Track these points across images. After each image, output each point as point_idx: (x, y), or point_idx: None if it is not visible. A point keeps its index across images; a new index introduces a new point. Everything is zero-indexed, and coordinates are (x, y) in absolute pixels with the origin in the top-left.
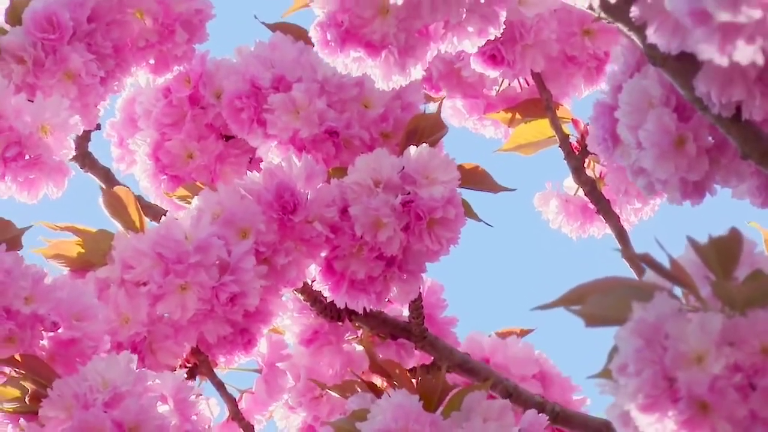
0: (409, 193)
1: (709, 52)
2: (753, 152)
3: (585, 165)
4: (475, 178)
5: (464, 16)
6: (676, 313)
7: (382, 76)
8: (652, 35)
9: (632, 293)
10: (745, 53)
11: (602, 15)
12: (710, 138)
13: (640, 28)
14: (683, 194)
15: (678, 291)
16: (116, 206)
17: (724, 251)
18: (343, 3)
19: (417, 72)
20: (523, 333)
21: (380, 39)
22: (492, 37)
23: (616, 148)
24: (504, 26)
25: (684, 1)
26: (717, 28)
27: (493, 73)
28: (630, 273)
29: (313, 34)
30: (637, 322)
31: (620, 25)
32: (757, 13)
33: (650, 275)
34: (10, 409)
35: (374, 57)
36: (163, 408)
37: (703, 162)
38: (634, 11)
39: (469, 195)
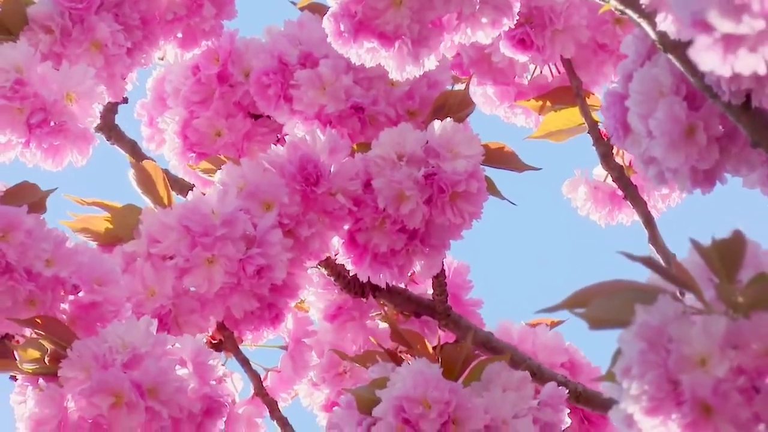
0: (432, 167)
1: (711, 61)
2: (763, 140)
3: (614, 151)
4: (500, 158)
5: (477, 6)
6: (679, 315)
7: (396, 66)
8: (662, 22)
9: (636, 296)
10: (748, 63)
11: (612, 2)
12: (720, 127)
13: (650, 15)
14: (693, 183)
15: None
16: (146, 182)
17: (726, 254)
18: None
19: (430, 62)
20: (554, 324)
21: (393, 30)
22: (513, 24)
23: (626, 137)
24: (534, 11)
25: (687, 12)
26: (719, 38)
27: (522, 57)
28: (656, 259)
29: (327, 25)
30: (641, 325)
31: (630, 12)
32: (759, 24)
33: (654, 277)
34: (30, 370)
35: (388, 48)
36: (182, 371)
37: (714, 151)
38: None
39: (501, 183)
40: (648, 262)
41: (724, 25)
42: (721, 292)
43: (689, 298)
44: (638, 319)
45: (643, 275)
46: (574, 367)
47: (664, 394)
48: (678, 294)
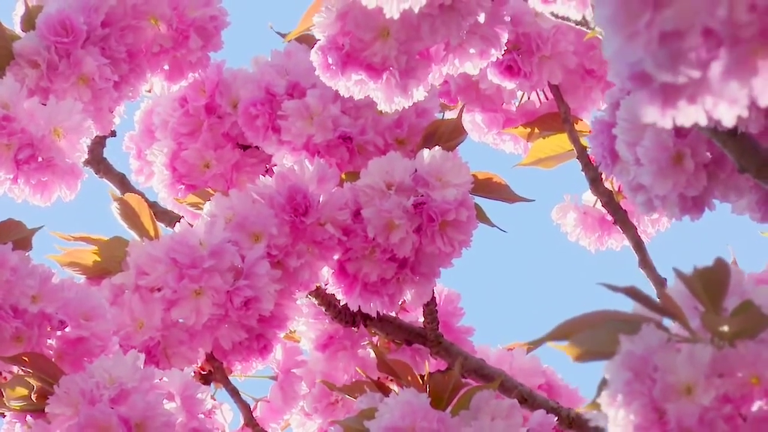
0: (421, 196)
1: (651, 114)
2: (750, 166)
3: (603, 177)
4: (491, 188)
5: (465, 37)
6: (664, 344)
7: (384, 98)
8: None
9: (620, 326)
10: (688, 114)
11: (599, 29)
12: (708, 153)
13: None
14: (682, 210)
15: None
16: (130, 215)
17: (711, 282)
18: (343, 26)
19: (419, 93)
20: (531, 348)
21: (381, 61)
22: (501, 54)
23: (615, 164)
24: (521, 38)
25: (624, 65)
26: (658, 89)
27: (509, 84)
28: (647, 284)
29: (315, 58)
30: (626, 354)
31: None
32: (695, 73)
33: (639, 307)
34: (18, 407)
35: (375, 79)
36: (170, 405)
37: (702, 177)
38: None
39: (490, 210)
40: (631, 292)
41: (662, 76)
42: (706, 320)
43: (673, 327)
44: (623, 348)
45: (631, 302)
46: (552, 390)
47: (650, 423)
48: (662, 323)
